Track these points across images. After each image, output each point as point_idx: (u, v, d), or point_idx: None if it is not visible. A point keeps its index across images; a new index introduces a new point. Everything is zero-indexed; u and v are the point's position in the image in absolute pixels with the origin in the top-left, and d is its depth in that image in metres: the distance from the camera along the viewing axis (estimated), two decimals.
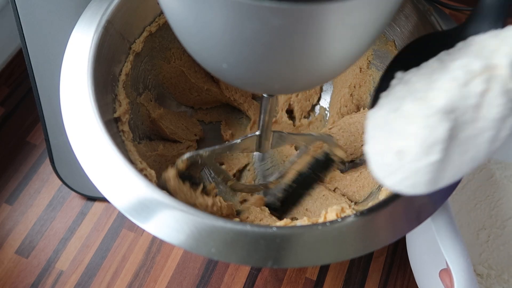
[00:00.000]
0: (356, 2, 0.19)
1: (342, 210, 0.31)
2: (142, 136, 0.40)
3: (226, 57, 0.24)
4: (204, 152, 0.37)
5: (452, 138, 0.22)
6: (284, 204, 0.42)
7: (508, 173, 0.46)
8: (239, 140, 0.38)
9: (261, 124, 0.36)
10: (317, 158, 0.42)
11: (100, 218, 0.46)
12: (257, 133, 0.37)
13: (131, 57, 0.37)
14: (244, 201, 0.43)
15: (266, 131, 0.37)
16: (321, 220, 0.31)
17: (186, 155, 0.36)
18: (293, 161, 0.42)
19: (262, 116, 0.35)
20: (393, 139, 0.23)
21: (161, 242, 0.45)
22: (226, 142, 0.38)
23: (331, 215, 0.31)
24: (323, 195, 0.42)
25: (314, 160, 0.42)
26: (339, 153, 0.41)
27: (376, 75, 0.45)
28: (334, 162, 0.42)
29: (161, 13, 0.39)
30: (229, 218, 0.34)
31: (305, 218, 0.31)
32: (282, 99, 0.48)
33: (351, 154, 0.44)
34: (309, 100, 0.48)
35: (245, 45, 0.22)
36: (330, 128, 0.45)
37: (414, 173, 0.23)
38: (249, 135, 0.38)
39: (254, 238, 0.26)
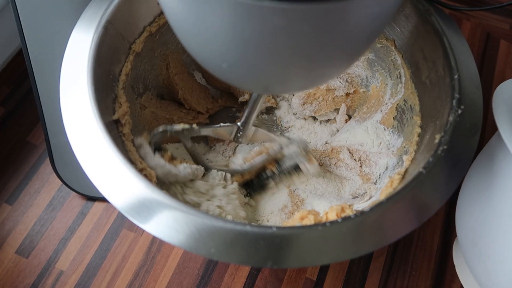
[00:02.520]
0: (355, 2, 0.19)
1: (342, 210, 0.31)
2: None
3: (226, 56, 0.24)
4: (178, 128, 0.37)
5: None
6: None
7: None
8: (217, 126, 0.39)
9: (244, 117, 0.37)
10: (283, 165, 0.42)
11: (100, 218, 0.46)
12: (238, 124, 0.38)
13: (131, 57, 0.37)
14: None
15: (247, 125, 0.38)
16: (323, 220, 0.31)
17: (161, 128, 0.37)
18: (262, 158, 0.41)
19: (247, 110, 0.36)
20: None
21: (161, 242, 0.45)
22: (205, 124, 0.39)
23: (331, 215, 0.31)
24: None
25: (281, 166, 0.42)
26: (311, 168, 0.41)
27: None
28: (300, 171, 0.42)
29: (161, 13, 0.39)
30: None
31: (311, 216, 0.31)
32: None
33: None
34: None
35: (245, 45, 0.22)
36: None
37: None
38: (228, 124, 0.39)
39: (254, 239, 0.26)
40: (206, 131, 0.39)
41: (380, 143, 0.43)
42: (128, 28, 0.37)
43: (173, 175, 0.36)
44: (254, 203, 0.42)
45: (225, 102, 0.49)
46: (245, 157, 0.42)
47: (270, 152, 0.41)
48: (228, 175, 0.40)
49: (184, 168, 0.36)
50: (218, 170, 0.40)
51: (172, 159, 0.37)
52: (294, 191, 0.43)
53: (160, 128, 0.36)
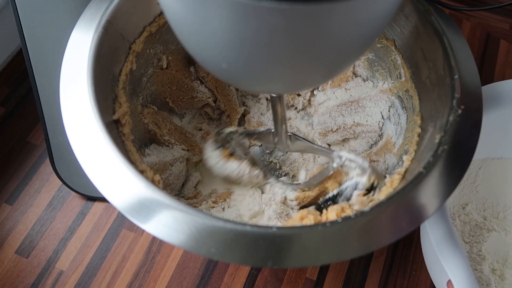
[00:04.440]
0: (355, 2, 0.19)
1: (342, 210, 0.31)
2: (141, 140, 0.40)
3: (226, 56, 0.24)
4: (240, 132, 0.39)
5: None
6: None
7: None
8: (255, 131, 0.40)
9: (274, 123, 0.36)
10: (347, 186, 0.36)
11: (100, 218, 0.46)
12: (272, 130, 0.38)
13: (131, 57, 0.37)
14: None
15: (279, 131, 0.37)
16: (323, 220, 0.31)
17: (227, 130, 0.39)
18: (314, 181, 0.39)
19: (273, 116, 0.35)
20: None
21: (161, 242, 0.45)
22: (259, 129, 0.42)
23: (331, 215, 0.31)
24: None
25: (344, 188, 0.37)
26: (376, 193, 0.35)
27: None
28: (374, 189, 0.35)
29: (161, 13, 0.39)
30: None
31: (311, 216, 0.31)
32: None
33: None
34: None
35: (244, 45, 0.22)
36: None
37: None
38: (263, 130, 0.40)
39: (254, 238, 0.26)
40: (251, 135, 0.40)
41: None
42: (128, 28, 0.37)
43: (227, 173, 0.37)
44: None
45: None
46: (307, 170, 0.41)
47: (327, 168, 0.37)
48: (290, 192, 0.39)
49: (237, 167, 0.38)
50: (277, 181, 0.40)
51: (230, 155, 0.38)
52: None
53: (225, 130, 0.39)
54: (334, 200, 0.37)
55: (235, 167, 0.38)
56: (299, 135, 0.41)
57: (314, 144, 0.40)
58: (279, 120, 0.35)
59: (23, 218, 0.46)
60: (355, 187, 0.36)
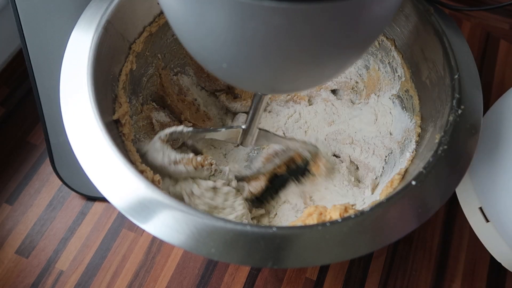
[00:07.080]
0: (354, 2, 0.19)
1: (346, 210, 0.31)
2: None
3: (226, 56, 0.24)
4: (187, 131, 0.37)
5: None
6: (258, 198, 0.42)
7: None
8: (223, 129, 0.38)
9: (248, 119, 0.36)
10: (297, 164, 0.41)
11: (100, 218, 0.46)
12: (243, 126, 0.38)
13: (131, 57, 0.37)
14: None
15: (252, 126, 0.37)
16: (327, 219, 0.31)
17: (168, 130, 0.36)
18: (273, 163, 0.41)
19: (251, 112, 0.35)
20: None
21: (161, 242, 0.45)
22: (211, 128, 0.38)
23: (335, 215, 0.31)
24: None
25: (294, 166, 0.41)
26: (317, 170, 0.41)
27: None
28: (310, 173, 0.41)
29: (161, 13, 0.39)
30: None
31: (314, 216, 0.31)
32: None
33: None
34: None
35: (244, 44, 0.22)
36: None
37: None
38: (234, 126, 0.39)
39: (254, 239, 0.26)
40: (211, 135, 0.38)
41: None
42: (128, 28, 0.37)
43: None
44: (263, 211, 0.42)
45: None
46: (264, 157, 0.42)
47: (281, 155, 0.40)
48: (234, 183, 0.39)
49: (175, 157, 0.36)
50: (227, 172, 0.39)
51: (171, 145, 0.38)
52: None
53: (168, 130, 0.36)
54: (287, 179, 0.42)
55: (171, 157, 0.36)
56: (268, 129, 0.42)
57: (279, 135, 0.41)
58: (256, 117, 0.36)
59: (23, 218, 0.46)
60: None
